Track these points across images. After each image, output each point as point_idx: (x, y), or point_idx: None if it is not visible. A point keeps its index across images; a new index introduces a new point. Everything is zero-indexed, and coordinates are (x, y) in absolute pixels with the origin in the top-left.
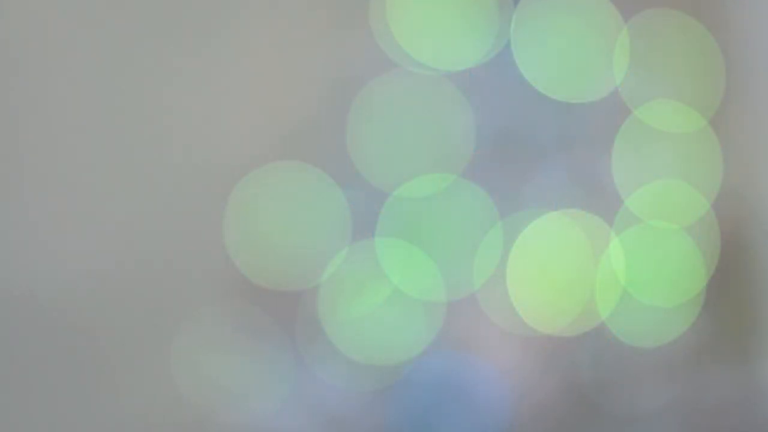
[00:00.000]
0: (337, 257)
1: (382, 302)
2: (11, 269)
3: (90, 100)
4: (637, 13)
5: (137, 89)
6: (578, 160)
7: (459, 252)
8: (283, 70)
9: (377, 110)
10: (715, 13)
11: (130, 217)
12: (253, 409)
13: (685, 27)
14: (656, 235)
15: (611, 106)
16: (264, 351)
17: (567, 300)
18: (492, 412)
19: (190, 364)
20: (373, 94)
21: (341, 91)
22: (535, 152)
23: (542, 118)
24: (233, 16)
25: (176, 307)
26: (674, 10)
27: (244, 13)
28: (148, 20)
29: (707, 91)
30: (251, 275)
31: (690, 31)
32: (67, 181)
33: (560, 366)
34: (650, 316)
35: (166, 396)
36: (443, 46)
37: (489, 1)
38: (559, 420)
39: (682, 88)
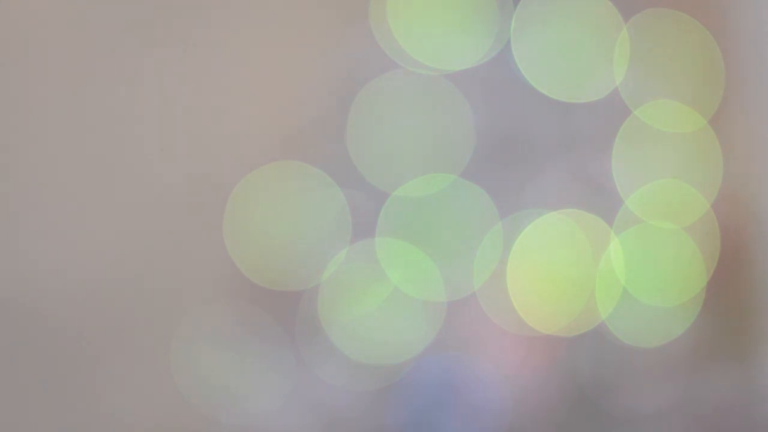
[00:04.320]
0: (337, 257)
1: (382, 302)
2: (11, 268)
3: (91, 100)
4: (637, 13)
5: (137, 88)
6: (578, 160)
7: (459, 252)
8: (283, 70)
9: (377, 110)
10: (715, 13)
11: (131, 217)
12: (253, 408)
13: (685, 27)
14: (656, 235)
15: (611, 106)
16: (264, 351)
17: (567, 300)
18: (492, 411)
19: (190, 364)
20: (373, 94)
21: (341, 91)
22: (535, 152)
23: (542, 118)
24: (234, 17)
25: (176, 306)
26: (674, 10)
27: (244, 14)
28: (150, 20)
29: (707, 91)
30: (251, 275)
31: (690, 31)
32: (67, 180)
33: (560, 366)
34: (650, 316)
35: (166, 396)
36: (443, 46)
37: (489, 1)
38: (559, 419)
39: (682, 88)
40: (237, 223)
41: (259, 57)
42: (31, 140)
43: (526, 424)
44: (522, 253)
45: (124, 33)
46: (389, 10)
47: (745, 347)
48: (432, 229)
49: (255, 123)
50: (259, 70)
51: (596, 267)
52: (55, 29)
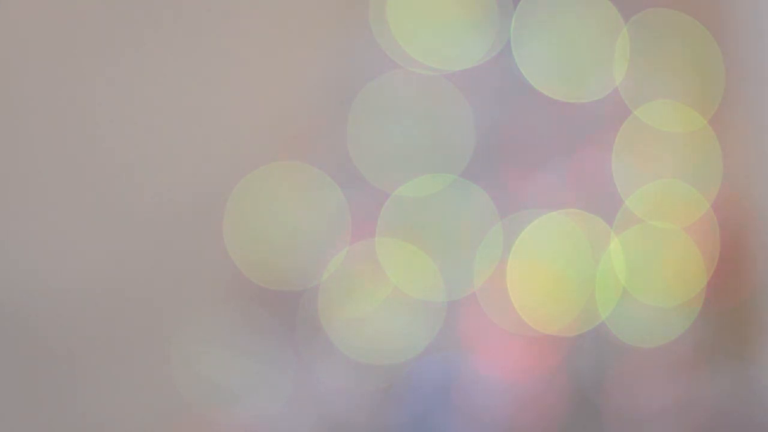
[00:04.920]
0: (337, 257)
1: (382, 302)
2: (10, 268)
3: (90, 100)
4: (637, 13)
5: (137, 88)
6: (578, 160)
7: (459, 252)
8: (283, 70)
9: (377, 110)
10: (715, 13)
11: (131, 217)
12: (252, 408)
13: (685, 27)
14: (656, 235)
15: (611, 106)
16: (264, 351)
17: (567, 300)
18: (491, 411)
19: (190, 364)
20: (373, 94)
21: (341, 91)
22: (535, 152)
23: (542, 118)
24: (233, 16)
25: (176, 307)
26: (674, 10)
27: (244, 13)
28: (149, 20)
29: (707, 91)
30: (251, 275)
31: (690, 31)
32: (68, 179)
33: (560, 366)
34: (650, 316)
35: (166, 396)
36: (443, 46)
37: (489, 1)
38: (559, 419)
39: (682, 88)
40: (237, 223)
41: (258, 56)
42: (27, 144)
43: (526, 424)
44: (522, 253)
45: (122, 34)
46: (389, 10)
47: (745, 347)
48: (432, 229)
49: (255, 123)
50: (258, 69)
51: (596, 267)
52: (48, 31)
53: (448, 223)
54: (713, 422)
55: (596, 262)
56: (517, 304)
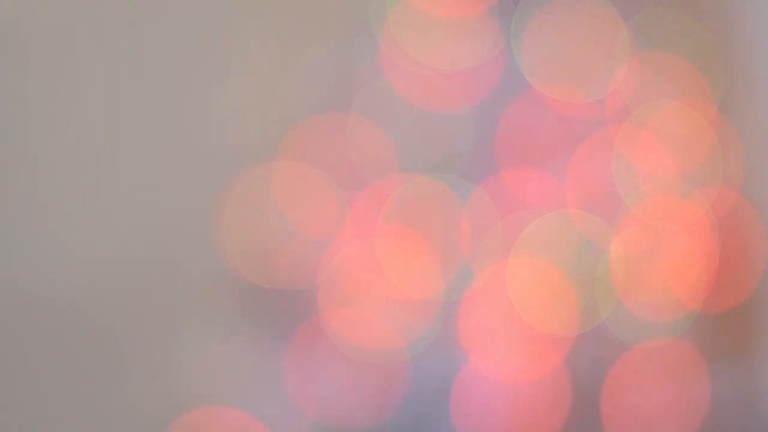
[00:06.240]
0: (337, 257)
1: (382, 302)
2: (12, 269)
3: (91, 101)
4: (637, 13)
5: (137, 89)
6: (578, 160)
7: (459, 252)
8: (283, 69)
9: (377, 110)
10: (715, 13)
11: (130, 217)
12: (252, 408)
13: (685, 27)
14: (656, 235)
15: (611, 106)
16: (264, 351)
17: (567, 300)
18: (491, 411)
19: (190, 364)
20: (373, 94)
21: (341, 91)
22: (535, 152)
23: (542, 118)
24: (234, 16)
25: (176, 306)
26: (674, 10)
27: (245, 13)
28: (149, 20)
29: (707, 91)
30: (251, 275)
31: (690, 31)
32: (68, 181)
33: (560, 366)
34: (650, 316)
35: (165, 395)
36: (443, 46)
37: (489, 1)
38: (559, 419)
39: (682, 88)
40: (237, 223)
41: (259, 56)
42: (28, 144)
43: (526, 424)
44: (522, 253)
45: (126, 31)
46: (389, 10)
47: (745, 347)
48: (432, 229)
49: (255, 123)
50: (258, 69)
51: (596, 267)
52: (54, 26)
53: (448, 223)
54: (713, 422)
55: (596, 262)
56: (517, 304)
